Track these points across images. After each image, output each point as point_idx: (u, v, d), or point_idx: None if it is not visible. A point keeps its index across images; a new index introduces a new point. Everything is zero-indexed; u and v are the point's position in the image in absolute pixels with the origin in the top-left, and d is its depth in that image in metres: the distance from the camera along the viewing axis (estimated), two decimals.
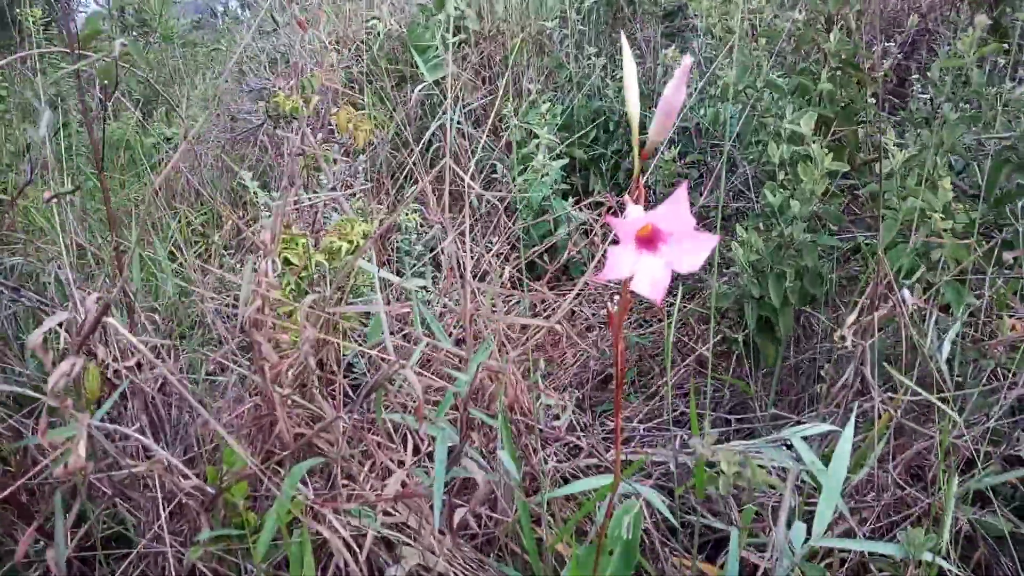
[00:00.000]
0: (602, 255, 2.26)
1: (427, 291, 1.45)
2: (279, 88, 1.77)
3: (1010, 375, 1.54)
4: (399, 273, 2.67)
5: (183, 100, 4.10)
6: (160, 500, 1.16)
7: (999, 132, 1.53)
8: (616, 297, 0.82)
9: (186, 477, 1.18)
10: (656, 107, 0.70)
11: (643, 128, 0.71)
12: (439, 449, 1.10)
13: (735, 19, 1.77)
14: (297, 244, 1.61)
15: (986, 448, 1.32)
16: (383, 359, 1.11)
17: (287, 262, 1.61)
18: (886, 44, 2.90)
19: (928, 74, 2.83)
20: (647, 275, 0.63)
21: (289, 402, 1.31)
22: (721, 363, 1.81)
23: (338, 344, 1.35)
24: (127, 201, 3.60)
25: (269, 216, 1.31)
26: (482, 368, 1.06)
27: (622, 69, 2.83)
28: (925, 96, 2.51)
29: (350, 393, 1.43)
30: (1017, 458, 1.46)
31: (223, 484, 1.15)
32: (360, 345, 1.29)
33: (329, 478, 1.32)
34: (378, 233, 1.40)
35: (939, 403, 1.15)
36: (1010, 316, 1.61)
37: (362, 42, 4.01)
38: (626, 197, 0.68)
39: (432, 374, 1.36)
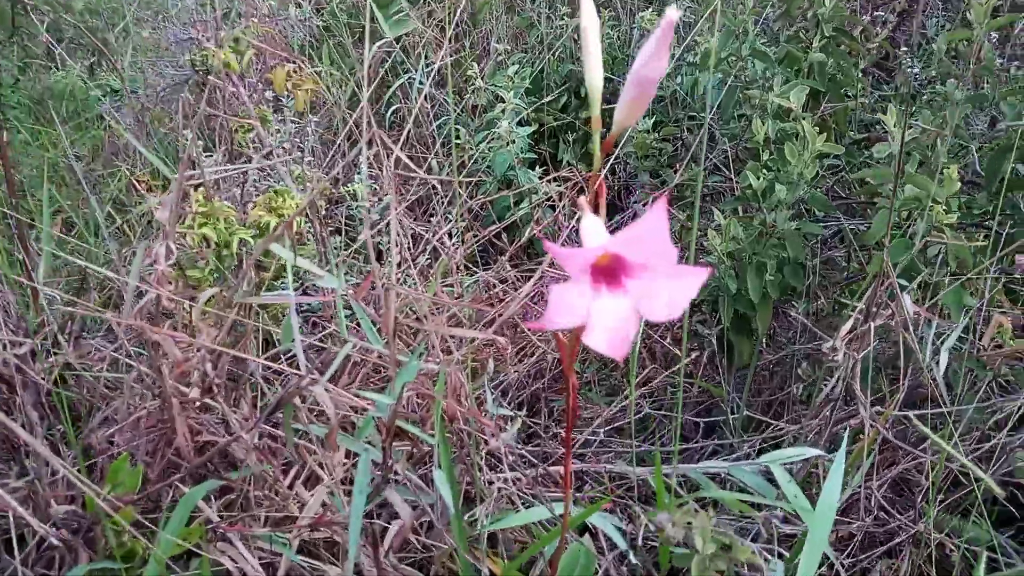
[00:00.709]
0: (568, 235, 2.08)
1: (348, 283, 1.27)
2: (203, 38, 1.55)
3: (1003, 386, 1.41)
4: (352, 241, 2.48)
5: (127, 49, 3.80)
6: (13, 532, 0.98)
7: (1008, 114, 1.38)
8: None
9: (66, 500, 1.00)
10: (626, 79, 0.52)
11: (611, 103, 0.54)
12: (359, 475, 0.93)
13: None
14: (217, 219, 1.41)
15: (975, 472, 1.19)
16: (291, 373, 0.93)
17: (205, 239, 1.41)
18: (876, 13, 2.74)
19: (922, 49, 2.67)
20: (605, 324, 0.44)
21: (193, 409, 1.13)
22: (691, 359, 1.66)
23: (254, 339, 1.16)
24: (63, 158, 3.33)
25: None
26: (411, 382, 0.88)
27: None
28: (913, 70, 2.36)
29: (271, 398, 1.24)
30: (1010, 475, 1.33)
31: (108, 507, 0.97)
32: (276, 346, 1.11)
33: (242, 496, 1.15)
34: (304, 208, 1.21)
35: (928, 432, 1.00)
36: (1000, 312, 1.47)
37: None
38: (581, 200, 0.50)
39: (362, 379, 1.18)
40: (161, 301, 1.01)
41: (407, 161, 1.02)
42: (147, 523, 0.99)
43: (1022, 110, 1.39)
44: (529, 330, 1.54)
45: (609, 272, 0.46)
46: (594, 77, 0.52)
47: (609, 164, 2.27)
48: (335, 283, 0.87)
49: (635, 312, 0.45)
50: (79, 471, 1.04)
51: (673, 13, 0.45)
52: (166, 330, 0.97)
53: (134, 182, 2.62)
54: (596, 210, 0.51)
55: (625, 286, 0.45)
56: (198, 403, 1.11)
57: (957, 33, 1.45)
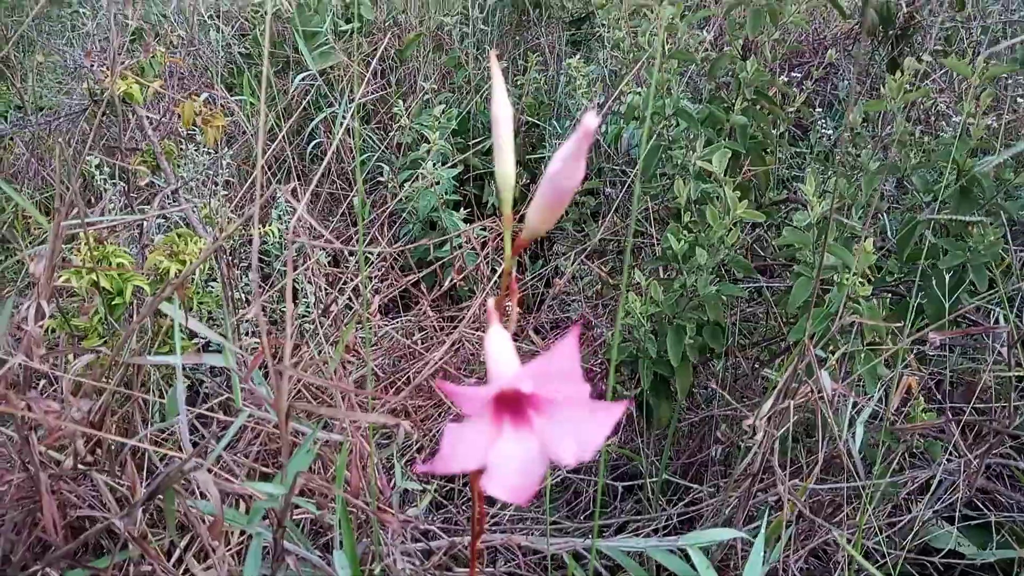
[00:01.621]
0: (492, 285, 2.03)
1: (244, 359, 1.18)
2: (95, 67, 1.45)
3: (915, 455, 1.42)
4: (266, 278, 2.36)
5: (31, 69, 3.59)
6: None
7: (917, 184, 1.41)
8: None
9: None
10: (545, 168, 0.47)
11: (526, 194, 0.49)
12: (249, 562, 0.84)
13: (646, 36, 1.58)
14: (109, 263, 1.30)
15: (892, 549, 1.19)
16: (172, 455, 0.84)
17: (96, 286, 1.29)
18: (792, 74, 2.83)
19: (834, 109, 2.76)
20: (507, 469, 0.39)
21: (68, 480, 1.02)
22: None
23: (141, 403, 1.06)
24: None
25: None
26: (306, 467, 0.81)
27: (523, 75, 2.58)
28: (827, 131, 2.43)
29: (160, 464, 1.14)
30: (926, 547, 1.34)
31: None
32: (150, 426, 1.01)
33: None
34: (204, 257, 1.12)
35: (845, 545, 0.98)
36: (909, 373, 1.49)
37: (247, 20, 3.64)
38: (489, 305, 0.45)
39: (261, 445, 1.10)
40: (32, 364, 0.91)
41: (312, 222, 0.95)
42: None
43: (928, 181, 1.43)
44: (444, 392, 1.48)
45: (514, 403, 0.41)
46: (506, 172, 0.47)
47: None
48: (228, 362, 0.79)
49: (542, 452, 0.40)
50: None
51: (591, 121, 0.41)
52: (34, 398, 0.87)
53: (21, 214, 2.44)
54: (503, 313, 0.46)
55: (531, 422, 0.40)
56: (71, 475, 1.00)
57: (872, 104, 1.48)
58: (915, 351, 1.45)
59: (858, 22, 3.07)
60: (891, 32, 2.67)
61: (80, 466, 1.00)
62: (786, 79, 2.71)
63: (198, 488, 1.01)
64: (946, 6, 2.85)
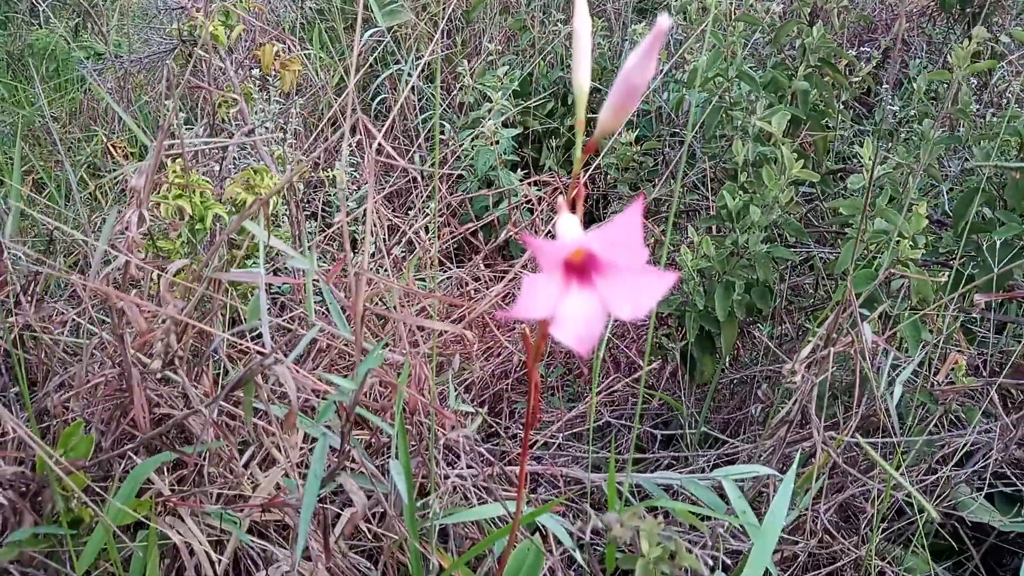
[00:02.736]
0: (546, 235, 2.09)
1: (319, 267, 1.26)
2: (192, 8, 1.54)
3: (953, 421, 1.44)
4: (327, 227, 2.46)
5: (113, 13, 3.74)
6: None
7: (979, 156, 1.41)
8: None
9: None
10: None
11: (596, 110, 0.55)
12: (316, 459, 0.93)
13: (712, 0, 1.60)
14: (193, 192, 1.39)
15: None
16: (255, 351, 0.93)
17: (180, 212, 1.39)
18: (862, 49, 2.79)
19: (903, 88, 2.73)
20: (573, 318, 0.45)
21: (153, 381, 1.12)
22: (654, 371, 1.68)
23: (221, 315, 1.15)
24: (39, 116, 3.26)
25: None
26: (375, 371, 0.89)
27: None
28: (893, 108, 2.41)
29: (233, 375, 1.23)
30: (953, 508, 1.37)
31: (59, 471, 0.96)
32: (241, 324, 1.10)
33: (195, 471, 1.14)
34: (282, 188, 1.20)
35: (878, 459, 1.03)
36: (957, 350, 1.51)
37: None
38: (560, 200, 0.51)
39: (326, 365, 1.18)
40: (129, 268, 1.00)
41: (389, 150, 1.02)
42: (97, 491, 0.97)
43: (991, 152, 1.43)
44: (498, 327, 1.55)
45: (580, 269, 0.47)
46: (582, 79, 0.53)
47: (589, 174, 2.29)
48: (306, 265, 0.87)
49: (603, 310, 0.46)
50: (31, 433, 1.02)
51: (665, 21, 0.46)
52: (132, 298, 0.96)
53: (110, 148, 2.58)
54: (573, 210, 0.52)
55: (595, 283, 0.47)
56: (158, 375, 1.10)
57: (937, 74, 1.48)
58: (962, 324, 1.46)
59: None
60: (968, 11, 2.61)
61: (164, 369, 1.10)
62: (855, 52, 2.68)
63: (267, 398, 1.10)
64: None
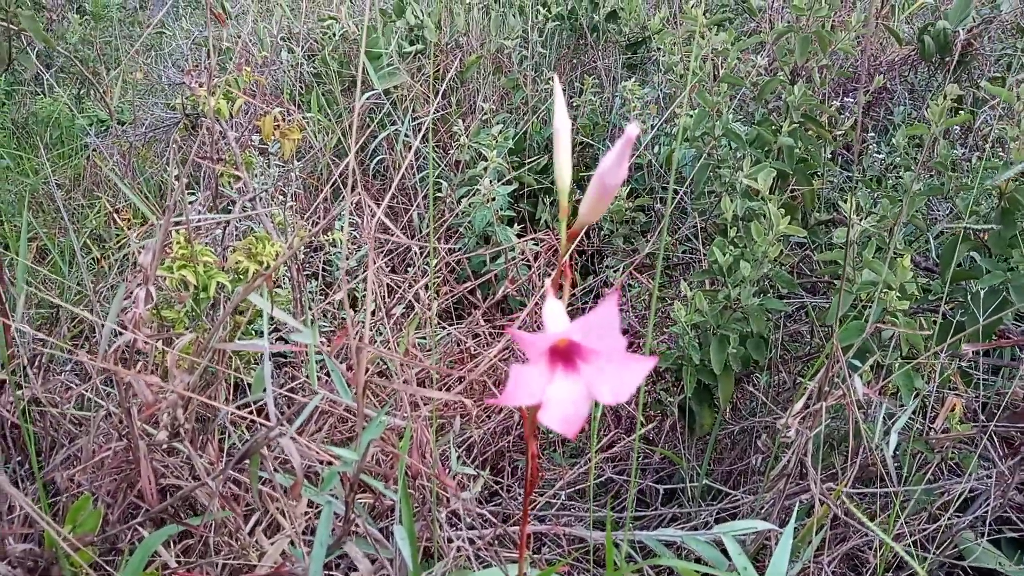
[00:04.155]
0: (540, 296, 2.12)
1: (324, 341, 1.29)
2: (194, 84, 1.60)
3: (952, 468, 1.46)
4: (328, 286, 2.50)
5: (116, 83, 3.84)
6: None
7: (960, 207, 1.45)
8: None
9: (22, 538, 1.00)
10: (601, 160, 0.56)
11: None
12: (321, 527, 0.94)
13: (696, 61, 1.66)
14: (196, 261, 1.43)
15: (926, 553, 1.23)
16: (260, 423, 0.95)
17: (184, 283, 1.43)
18: (846, 99, 2.87)
19: (888, 134, 2.79)
20: (559, 403, 0.48)
21: (159, 451, 1.14)
22: (653, 425, 1.69)
23: (227, 387, 1.18)
24: (44, 184, 3.33)
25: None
26: (377, 440, 0.91)
27: (579, 97, 2.68)
28: (879, 156, 2.47)
29: (238, 442, 1.25)
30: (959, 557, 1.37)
31: (67, 547, 0.97)
32: (246, 395, 1.12)
33: (201, 542, 1.15)
34: (285, 257, 1.24)
35: (865, 521, 1.04)
36: (954, 394, 1.53)
37: (316, 41, 3.83)
38: (547, 284, 0.54)
39: (329, 430, 1.20)
40: (136, 343, 1.03)
41: (387, 223, 1.05)
42: (104, 565, 0.99)
43: (970, 203, 1.47)
44: (493, 394, 1.56)
45: (565, 355, 0.50)
46: (563, 174, 0.57)
47: (584, 229, 2.34)
48: (308, 339, 0.90)
49: (587, 393, 0.49)
50: (40, 508, 1.04)
51: (633, 129, 0.50)
52: (138, 372, 0.99)
53: (114, 215, 2.63)
54: (561, 289, 0.55)
55: (579, 369, 0.50)
56: (164, 446, 1.11)
57: (914, 128, 1.53)
58: (959, 370, 1.48)
59: (914, 48, 3.10)
60: (947, 59, 2.70)
61: (170, 440, 1.12)
62: (839, 103, 2.75)
63: (272, 467, 1.12)
64: (1007, 33, 2.86)
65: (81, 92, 4.48)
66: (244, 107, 2.35)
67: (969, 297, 1.37)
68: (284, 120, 2.10)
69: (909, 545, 1.25)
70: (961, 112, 1.56)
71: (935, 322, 1.41)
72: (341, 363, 1.12)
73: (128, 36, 5.01)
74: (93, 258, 2.53)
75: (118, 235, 2.65)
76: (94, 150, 3.32)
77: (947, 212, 2.09)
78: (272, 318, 1.16)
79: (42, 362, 1.44)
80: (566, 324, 0.52)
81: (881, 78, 1.74)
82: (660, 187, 2.30)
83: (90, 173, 3.42)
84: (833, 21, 1.93)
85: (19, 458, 1.36)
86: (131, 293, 1.03)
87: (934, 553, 1.30)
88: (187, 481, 1.16)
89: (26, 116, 4.35)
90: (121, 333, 0.99)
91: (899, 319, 1.29)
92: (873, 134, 2.60)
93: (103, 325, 1.07)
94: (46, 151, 3.80)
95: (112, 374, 1.07)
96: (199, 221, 1.41)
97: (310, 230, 1.87)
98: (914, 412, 1.36)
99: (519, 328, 1.55)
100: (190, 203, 1.90)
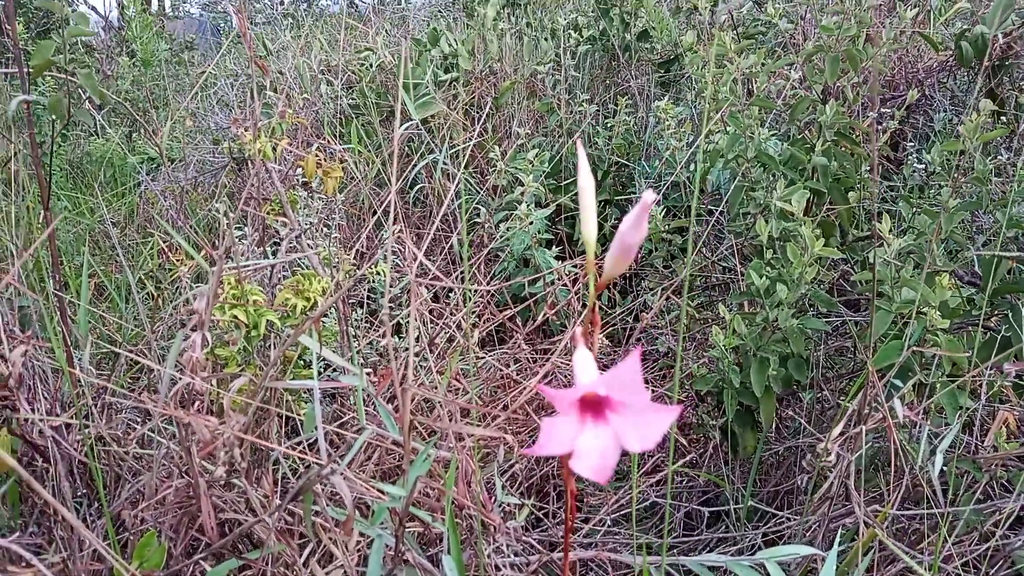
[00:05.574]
0: (581, 318, 2.15)
1: (370, 372, 1.34)
2: (240, 129, 1.67)
3: (999, 487, 1.43)
4: (372, 313, 2.56)
5: (166, 122, 3.99)
6: None
7: (1000, 219, 1.44)
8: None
9: None
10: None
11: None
12: (372, 560, 0.98)
13: (727, 84, 1.68)
14: (246, 300, 1.49)
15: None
16: (313, 460, 0.99)
17: (235, 321, 1.49)
18: (882, 111, 2.84)
19: (930, 141, 2.76)
20: (589, 452, 0.51)
21: (217, 487, 1.19)
22: (697, 448, 1.70)
23: (279, 421, 1.23)
24: (98, 223, 3.48)
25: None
26: (423, 473, 0.94)
27: (613, 117, 2.71)
28: (920, 166, 2.44)
29: (290, 474, 1.30)
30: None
31: None
32: (296, 426, 1.17)
33: (259, 574, 1.20)
34: (334, 300, 1.29)
35: (905, 556, 1.03)
36: (1006, 408, 1.50)
37: (353, 72, 3.93)
38: (576, 332, 0.57)
39: (377, 462, 1.24)
40: (198, 382, 1.08)
41: (427, 263, 1.09)
42: None
43: (1009, 213, 1.45)
44: (538, 415, 1.59)
45: (594, 405, 0.53)
46: (589, 230, 0.60)
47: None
48: (356, 381, 0.94)
49: (616, 442, 0.52)
50: (108, 545, 1.10)
51: (649, 196, 0.53)
52: (196, 413, 1.04)
53: (166, 251, 2.73)
54: (590, 340, 0.58)
55: (608, 418, 0.52)
56: (222, 482, 1.17)
57: (949, 144, 1.53)
58: (1006, 378, 1.46)
59: (952, 54, 3.06)
60: (986, 64, 2.66)
61: (228, 476, 1.17)
62: (875, 114, 2.73)
63: (325, 499, 1.16)
64: None
65: (132, 132, 4.68)
66: (291, 148, 2.44)
67: (1010, 313, 1.36)
68: (326, 157, 2.17)
69: (959, 567, 1.24)
70: (998, 126, 1.55)
71: (982, 335, 1.39)
72: (387, 401, 1.16)
73: (175, 75, 5.20)
74: (148, 293, 2.64)
75: (171, 270, 2.75)
76: (146, 190, 3.45)
77: (991, 222, 2.06)
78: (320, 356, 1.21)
79: (105, 402, 1.52)
80: (594, 376, 0.55)
81: (915, 92, 1.73)
82: (699, 207, 2.31)
83: (143, 210, 3.56)
84: (868, 30, 1.93)
85: (84, 491, 1.43)
86: (188, 337, 1.09)
87: (988, 573, 1.28)
88: (244, 514, 1.21)
89: (81, 156, 4.55)
90: (179, 377, 1.04)
91: (940, 338, 1.29)
92: (914, 142, 2.57)
93: (162, 369, 1.13)
94: (100, 190, 3.97)
95: (172, 416, 1.12)
96: (248, 266, 1.47)
97: (354, 263, 1.93)
98: (961, 430, 1.35)
99: (560, 356, 1.58)
100: (238, 239, 1.98)
